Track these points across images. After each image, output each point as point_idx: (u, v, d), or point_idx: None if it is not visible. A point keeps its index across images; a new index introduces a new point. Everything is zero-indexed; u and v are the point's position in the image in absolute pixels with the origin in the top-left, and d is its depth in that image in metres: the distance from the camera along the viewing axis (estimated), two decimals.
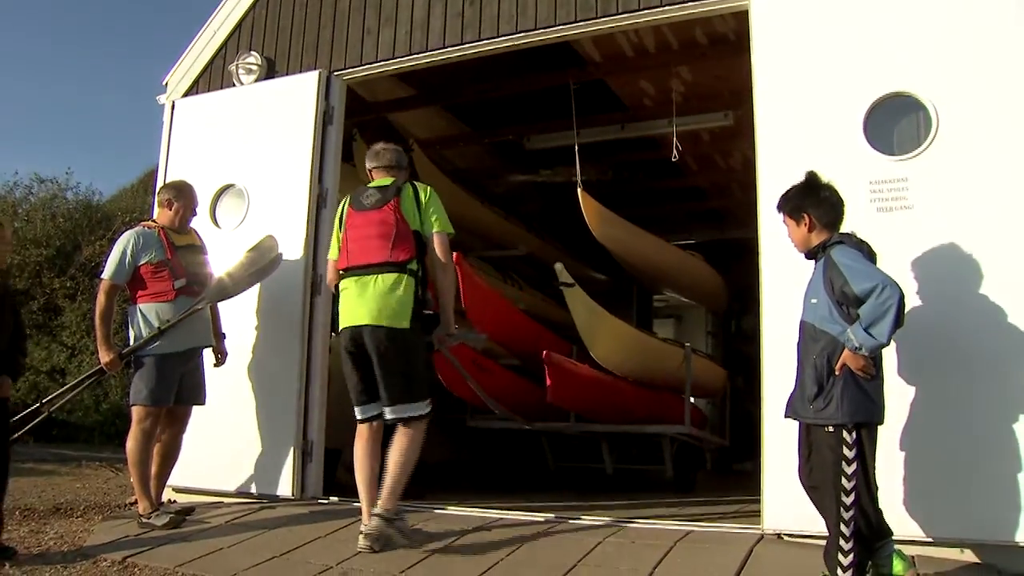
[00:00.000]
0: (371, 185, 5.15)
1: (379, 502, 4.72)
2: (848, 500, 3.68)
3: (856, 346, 3.69)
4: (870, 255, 3.94)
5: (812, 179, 4.12)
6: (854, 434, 3.73)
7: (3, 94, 48.81)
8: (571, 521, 5.43)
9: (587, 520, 5.45)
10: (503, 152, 10.51)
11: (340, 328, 4.90)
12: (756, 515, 5.07)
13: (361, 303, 4.80)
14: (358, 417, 4.96)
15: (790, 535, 4.76)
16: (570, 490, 7.88)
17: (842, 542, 3.67)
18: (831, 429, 3.77)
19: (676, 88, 7.93)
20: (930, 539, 4.39)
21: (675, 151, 7.64)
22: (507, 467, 9.93)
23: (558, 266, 7.27)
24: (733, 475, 9.57)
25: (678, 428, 7.99)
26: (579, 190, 7.50)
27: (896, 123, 4.92)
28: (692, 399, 8.56)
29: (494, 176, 10.90)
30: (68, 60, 61.36)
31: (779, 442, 4.81)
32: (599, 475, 8.57)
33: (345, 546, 4.84)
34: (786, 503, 4.73)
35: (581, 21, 5.95)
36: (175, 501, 6.23)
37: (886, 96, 4.90)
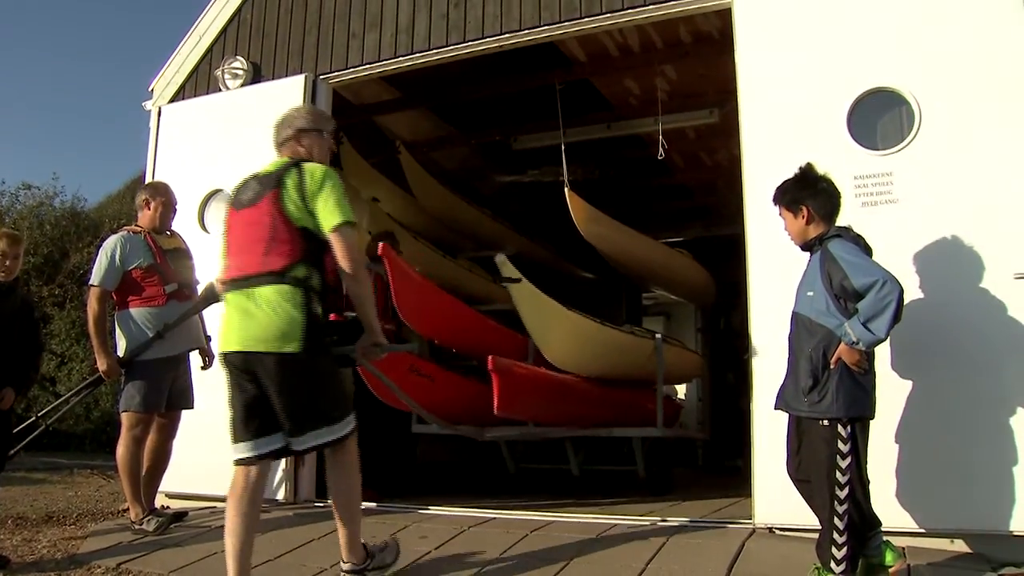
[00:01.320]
0: (256, 173, 4.19)
1: (343, 554, 4.12)
2: (842, 494, 3.68)
3: (853, 340, 3.69)
4: (866, 250, 3.95)
5: (809, 171, 4.11)
6: (848, 428, 3.74)
7: None
8: (563, 520, 5.45)
9: (579, 518, 5.48)
10: (490, 153, 10.52)
11: (220, 351, 4.04)
12: (748, 510, 5.11)
13: (241, 325, 3.91)
14: (238, 456, 4.06)
15: (781, 529, 4.79)
16: (546, 492, 7.50)
17: (836, 535, 3.68)
18: (826, 423, 3.76)
19: (661, 87, 7.96)
20: (922, 530, 4.44)
21: (661, 149, 7.67)
22: (463, 470, 9.35)
23: (499, 259, 6.90)
24: (725, 471, 9.60)
25: (650, 431, 7.41)
26: (566, 189, 7.53)
27: (879, 118, 4.96)
28: (665, 389, 8.43)
29: (482, 177, 10.92)
30: (52, 65, 61.12)
31: (769, 437, 4.84)
32: (566, 476, 8.10)
33: (339, 548, 4.85)
34: (777, 497, 4.76)
35: (566, 21, 5.98)
36: (168, 507, 6.23)
37: (869, 91, 4.95)
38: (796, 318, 4.04)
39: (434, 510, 5.87)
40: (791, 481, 4.07)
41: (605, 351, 7.25)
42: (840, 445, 3.72)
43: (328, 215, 3.86)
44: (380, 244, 6.17)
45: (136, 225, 5.89)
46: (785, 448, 4.10)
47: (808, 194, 4.05)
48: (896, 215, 4.70)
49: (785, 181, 4.16)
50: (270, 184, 3.96)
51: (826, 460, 3.75)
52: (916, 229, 4.60)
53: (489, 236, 10.04)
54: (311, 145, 4.26)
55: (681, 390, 11.13)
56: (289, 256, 3.87)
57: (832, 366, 3.77)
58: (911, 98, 4.82)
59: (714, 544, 4.66)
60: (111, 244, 5.65)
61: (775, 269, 4.98)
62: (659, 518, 5.42)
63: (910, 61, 4.87)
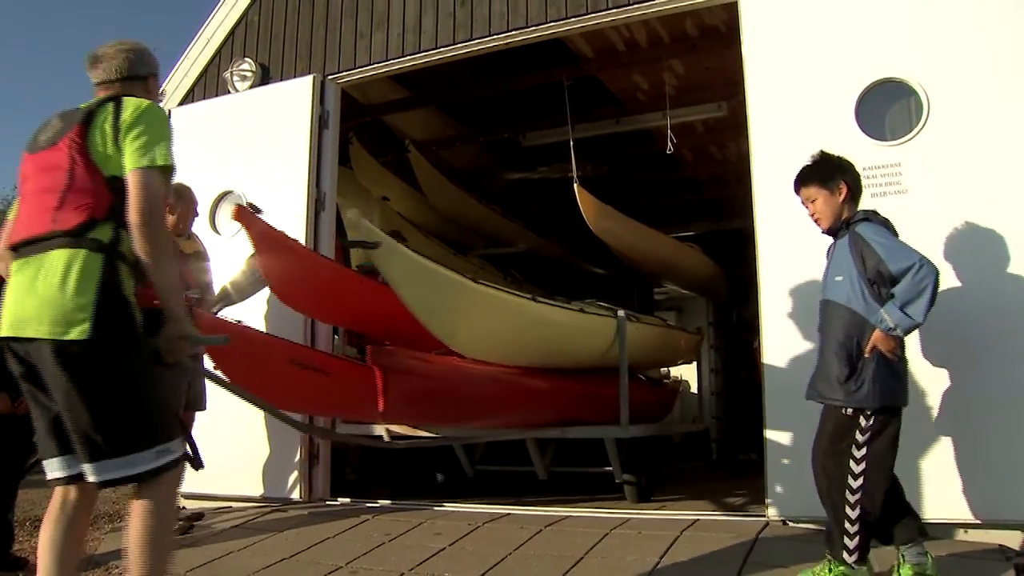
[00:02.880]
0: (63, 110, 3.21)
1: None
2: (855, 484, 3.62)
3: (891, 326, 3.56)
4: (894, 233, 3.82)
5: (827, 154, 4.01)
6: (872, 419, 3.64)
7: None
8: (577, 515, 5.46)
9: (593, 514, 5.49)
10: (499, 150, 10.55)
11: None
12: (760, 503, 5.11)
13: (16, 301, 2.92)
14: (49, 476, 3.05)
15: (795, 521, 4.80)
16: (558, 490, 6.87)
17: (848, 525, 3.63)
18: (849, 411, 3.67)
19: (669, 81, 7.96)
20: (944, 520, 4.42)
21: (670, 143, 7.67)
22: (410, 477, 7.85)
23: (351, 215, 5.82)
24: (739, 465, 9.59)
25: (613, 431, 6.26)
26: (575, 185, 7.53)
27: (888, 109, 4.96)
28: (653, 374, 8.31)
29: (491, 175, 10.94)
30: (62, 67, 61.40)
31: (782, 430, 4.87)
32: (533, 479, 6.91)
33: (354, 546, 4.88)
34: (790, 490, 4.79)
35: (572, 17, 5.99)
36: (184, 507, 6.26)
37: (877, 82, 4.95)
38: (826, 305, 3.88)
39: (449, 506, 5.89)
40: (813, 470, 3.92)
41: (545, 335, 5.81)
42: (858, 435, 3.64)
43: (135, 153, 2.95)
44: (235, 206, 5.39)
45: None
46: (814, 438, 3.93)
47: (842, 170, 3.92)
48: (905, 206, 4.68)
49: (808, 164, 4.02)
50: (75, 119, 3.05)
51: (842, 449, 3.68)
52: (926, 219, 4.58)
53: (499, 233, 10.07)
54: (135, 88, 3.28)
55: (693, 383, 11.08)
56: (89, 211, 2.92)
57: (866, 354, 3.65)
58: (919, 88, 4.82)
59: (728, 536, 4.66)
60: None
61: (785, 261, 5.00)
62: (672, 512, 5.43)
63: (918, 51, 4.87)
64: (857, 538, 3.62)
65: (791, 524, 4.82)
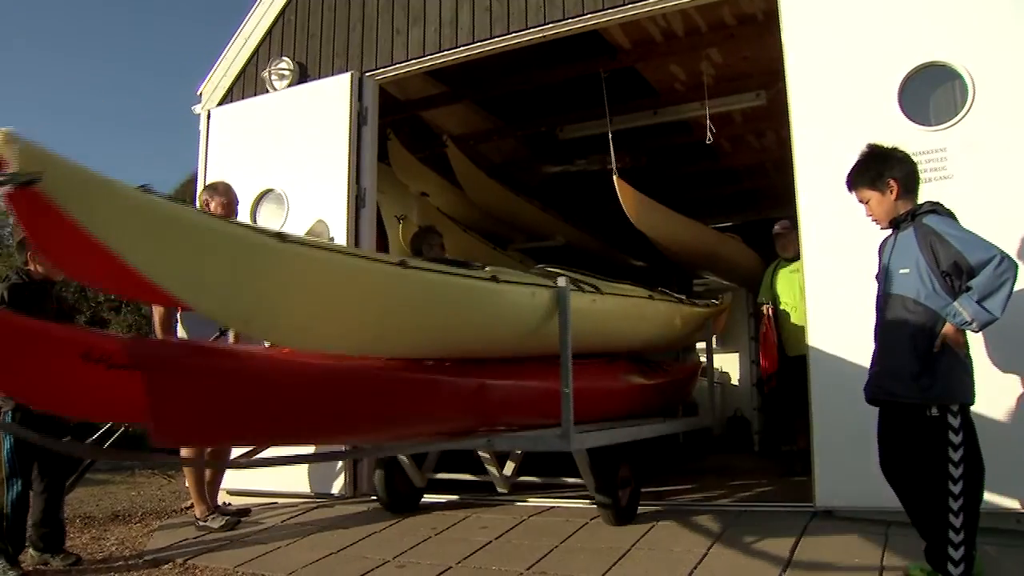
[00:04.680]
0: None
1: None
2: (957, 488, 3.39)
3: (967, 320, 3.41)
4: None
5: (877, 146, 3.85)
6: (960, 416, 3.47)
7: (41, 108, 49.76)
8: None
9: (640, 506, 5.46)
10: (536, 144, 10.53)
11: None
12: (807, 493, 5.06)
13: None
14: None
15: (841, 512, 4.76)
16: None
17: (952, 534, 3.39)
18: (935, 411, 3.48)
19: (707, 71, 7.92)
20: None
21: (709, 133, 7.62)
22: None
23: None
24: (782, 456, 9.53)
25: (545, 440, 4.42)
26: (615, 177, 7.50)
27: (932, 93, 4.90)
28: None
29: (529, 168, 10.93)
30: (100, 73, 62.18)
31: (827, 420, 4.83)
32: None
33: (400, 540, 4.90)
34: (836, 480, 4.75)
35: (609, 9, 5.97)
36: (230, 504, 6.32)
37: (920, 66, 4.88)
38: (891, 299, 3.70)
39: (494, 500, 5.88)
40: (884, 477, 3.76)
41: (433, 313, 3.87)
42: (952, 436, 3.44)
43: None
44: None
45: None
46: (877, 441, 3.78)
47: (890, 167, 3.77)
48: (951, 191, 4.58)
49: (857, 162, 3.88)
50: None
51: (938, 452, 3.46)
52: (972, 205, 4.45)
53: (538, 227, 10.06)
54: None
55: (735, 374, 10.99)
56: None
57: (936, 348, 3.49)
58: (964, 72, 4.75)
59: (776, 527, 4.64)
60: None
61: (829, 249, 4.95)
62: (718, 503, 5.40)
63: (962, 34, 4.80)
64: (963, 548, 3.39)
65: (837, 515, 4.78)
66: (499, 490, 5.46)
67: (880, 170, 3.77)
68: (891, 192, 3.74)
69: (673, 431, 6.85)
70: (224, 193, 5.88)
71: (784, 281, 7.06)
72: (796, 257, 6.24)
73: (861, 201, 3.87)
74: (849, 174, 3.90)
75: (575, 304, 4.49)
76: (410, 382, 4.02)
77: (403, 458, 5.62)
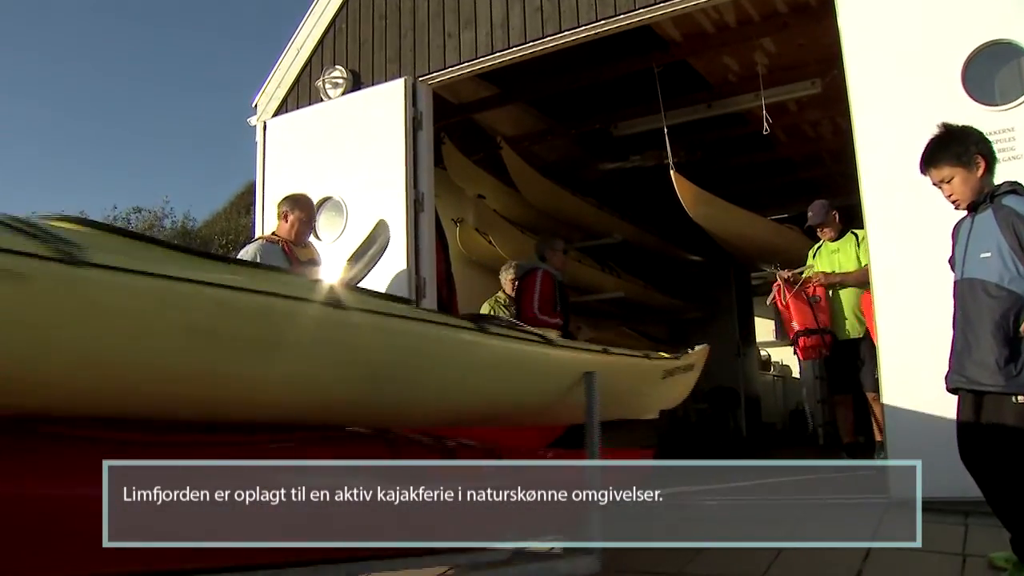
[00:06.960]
0: None
1: None
2: None
3: None
4: None
5: (951, 125, 3.64)
6: None
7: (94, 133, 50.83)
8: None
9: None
10: (591, 142, 10.50)
11: None
12: (878, 485, 4.99)
13: None
14: None
15: (915, 503, 4.69)
16: None
17: None
18: (1021, 399, 3.32)
19: (760, 61, 7.84)
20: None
21: (766, 124, 7.55)
22: None
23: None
24: (846, 449, 9.41)
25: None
26: (672, 172, 7.47)
27: (996, 72, 4.80)
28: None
29: (584, 166, 10.91)
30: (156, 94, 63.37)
31: (899, 409, 4.76)
32: None
33: None
34: (911, 471, 4.67)
35: (661, 3, 5.94)
36: None
37: (984, 45, 4.80)
38: (971, 284, 3.51)
39: None
40: (965, 467, 3.62)
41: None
42: None
43: None
44: None
45: (272, 234, 5.87)
46: (956, 430, 3.62)
47: (975, 140, 3.56)
48: (1020, 172, 4.51)
49: (934, 140, 3.65)
50: None
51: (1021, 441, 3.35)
52: None
53: (595, 225, 10.05)
54: None
55: (795, 367, 10.90)
56: None
57: (1023, 334, 3.32)
58: None
59: (849, 519, 4.58)
60: (249, 252, 5.64)
61: (895, 237, 4.88)
62: (788, 496, 5.34)
63: None
64: None
65: (914, 506, 4.71)
66: None
67: (966, 146, 3.56)
68: (978, 168, 3.53)
69: None
70: (305, 208, 5.81)
71: (824, 261, 6.91)
72: (838, 236, 6.18)
73: (940, 182, 3.64)
74: (925, 152, 3.66)
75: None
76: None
77: None
